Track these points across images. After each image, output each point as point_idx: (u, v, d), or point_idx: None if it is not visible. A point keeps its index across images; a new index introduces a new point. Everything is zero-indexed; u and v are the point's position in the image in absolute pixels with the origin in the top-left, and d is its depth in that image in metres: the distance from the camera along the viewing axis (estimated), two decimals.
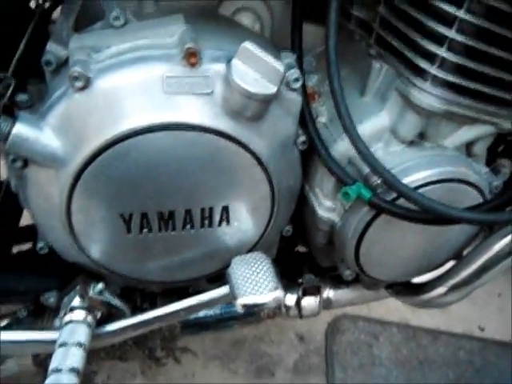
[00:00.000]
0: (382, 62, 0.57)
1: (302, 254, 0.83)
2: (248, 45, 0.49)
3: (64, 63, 0.55)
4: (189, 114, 0.50)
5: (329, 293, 0.81)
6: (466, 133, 0.57)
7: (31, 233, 0.66)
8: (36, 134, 0.50)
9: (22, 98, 0.56)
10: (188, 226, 0.58)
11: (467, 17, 0.46)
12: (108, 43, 0.53)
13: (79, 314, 0.59)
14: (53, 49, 0.55)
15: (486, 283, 0.71)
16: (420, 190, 0.55)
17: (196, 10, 0.62)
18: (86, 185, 0.52)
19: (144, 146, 0.50)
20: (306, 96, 0.60)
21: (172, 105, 0.50)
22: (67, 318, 0.59)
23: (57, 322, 0.63)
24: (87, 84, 0.48)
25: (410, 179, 0.55)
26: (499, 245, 0.64)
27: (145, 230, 0.57)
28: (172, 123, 0.50)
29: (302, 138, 0.59)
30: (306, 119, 0.58)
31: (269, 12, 0.65)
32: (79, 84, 0.48)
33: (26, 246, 0.73)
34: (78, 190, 0.53)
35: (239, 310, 0.53)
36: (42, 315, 0.68)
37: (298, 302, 0.79)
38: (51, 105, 0.51)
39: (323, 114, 0.63)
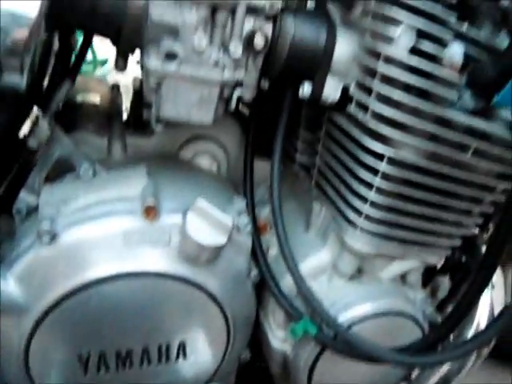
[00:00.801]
0: (321, 204, 0.65)
1: (264, 370, 0.83)
2: (201, 202, 0.55)
3: (34, 210, 0.60)
4: (147, 263, 0.55)
5: None
6: (399, 266, 0.64)
7: None
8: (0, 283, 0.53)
9: None
10: (145, 363, 0.60)
11: (383, 184, 0.53)
12: (76, 195, 0.58)
13: None
14: (25, 198, 0.60)
15: None
16: (360, 326, 0.59)
17: (160, 155, 0.71)
18: (45, 330, 0.54)
19: (104, 293, 0.54)
20: (258, 231, 0.66)
21: (132, 255, 0.55)
22: None
23: None
24: (54, 239, 0.53)
25: (350, 315, 0.60)
26: (446, 365, 0.68)
27: (102, 370, 0.58)
28: (131, 272, 0.55)
29: (255, 272, 0.64)
30: (257, 254, 0.64)
31: (224, 154, 0.75)
32: (46, 239, 0.52)
33: None
34: (38, 335, 0.54)
35: None
36: None
37: None
38: (17, 255, 0.54)
39: (274, 244, 0.69)
